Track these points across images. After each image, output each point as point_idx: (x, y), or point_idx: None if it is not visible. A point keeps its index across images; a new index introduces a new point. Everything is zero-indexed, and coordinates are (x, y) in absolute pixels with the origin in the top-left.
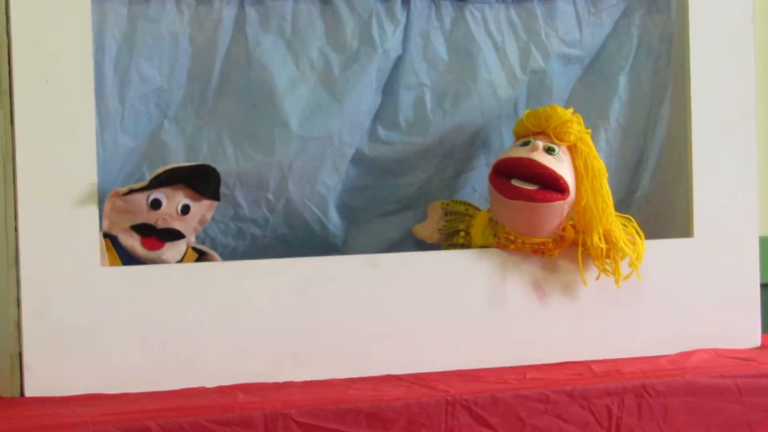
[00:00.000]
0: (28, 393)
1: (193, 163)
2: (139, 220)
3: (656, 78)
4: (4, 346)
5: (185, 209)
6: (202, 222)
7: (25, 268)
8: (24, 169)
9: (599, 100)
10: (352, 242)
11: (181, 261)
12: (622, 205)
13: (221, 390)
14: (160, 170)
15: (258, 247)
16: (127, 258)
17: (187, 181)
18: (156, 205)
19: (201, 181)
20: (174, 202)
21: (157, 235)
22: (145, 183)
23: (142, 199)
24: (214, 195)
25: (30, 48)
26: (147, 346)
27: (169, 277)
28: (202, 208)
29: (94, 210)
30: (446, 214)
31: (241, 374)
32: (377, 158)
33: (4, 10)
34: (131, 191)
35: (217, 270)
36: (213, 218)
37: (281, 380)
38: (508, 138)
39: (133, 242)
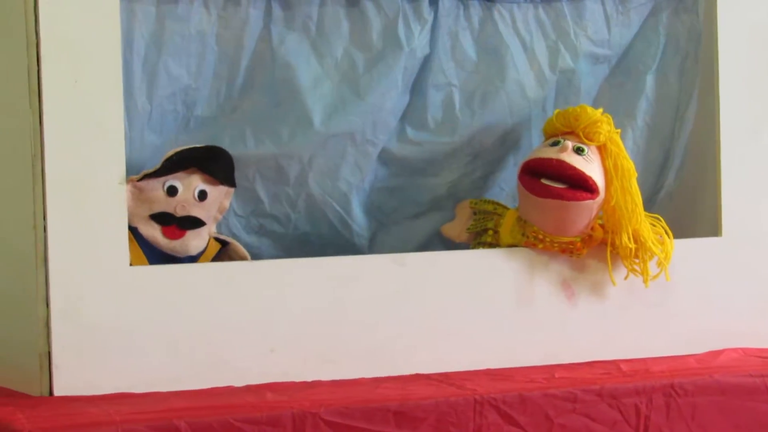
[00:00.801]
0: (57, 392)
1: (203, 145)
2: (157, 209)
3: (683, 77)
4: (33, 346)
5: (202, 194)
6: (221, 210)
7: (54, 267)
8: (53, 168)
9: (626, 100)
10: (381, 244)
11: (203, 251)
12: (648, 204)
13: (250, 389)
14: (171, 152)
15: (281, 246)
16: (149, 250)
17: (199, 164)
18: (172, 191)
19: (213, 163)
20: (190, 187)
21: (177, 224)
22: (157, 166)
23: (158, 187)
24: (229, 179)
25: (59, 48)
26: (176, 345)
27: (198, 277)
28: (220, 194)
29: (122, 209)
30: (475, 213)
31: (270, 373)
32: (406, 158)
33: (33, 11)
34: (145, 176)
35: (246, 269)
36: (234, 212)
37: (309, 379)
38: (537, 138)
39: (153, 232)
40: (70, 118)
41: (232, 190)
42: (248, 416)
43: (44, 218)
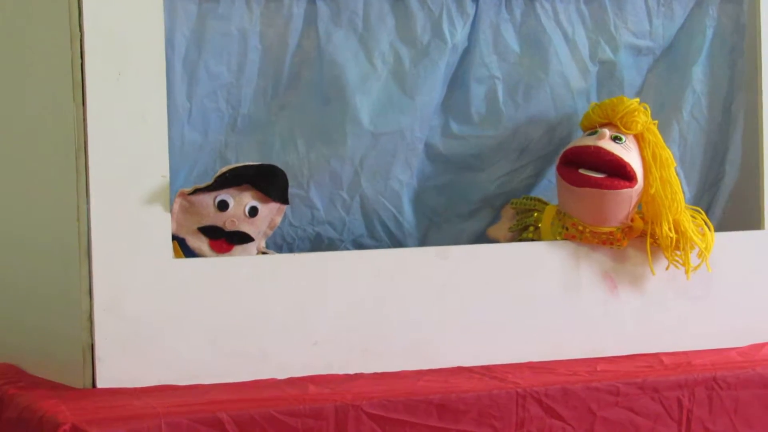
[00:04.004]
0: (100, 384)
1: (258, 163)
2: (206, 222)
3: (731, 70)
4: (76, 338)
5: (253, 211)
6: (271, 226)
7: (98, 260)
8: (96, 161)
9: (672, 92)
10: (432, 243)
11: None
12: (694, 198)
13: (292, 382)
14: (224, 169)
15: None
16: None
17: (253, 181)
18: (223, 206)
19: (267, 181)
20: (241, 203)
21: (226, 238)
22: (209, 182)
23: (208, 200)
24: (282, 197)
25: (103, 41)
26: (218, 337)
27: (241, 270)
28: (271, 212)
29: (165, 203)
30: (517, 213)
31: (312, 366)
32: (453, 154)
33: (77, 4)
34: (196, 191)
35: (288, 262)
36: (290, 223)
37: (352, 372)
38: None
39: (201, 244)
40: (113, 111)
41: (284, 207)
42: (291, 409)
43: (87, 211)
